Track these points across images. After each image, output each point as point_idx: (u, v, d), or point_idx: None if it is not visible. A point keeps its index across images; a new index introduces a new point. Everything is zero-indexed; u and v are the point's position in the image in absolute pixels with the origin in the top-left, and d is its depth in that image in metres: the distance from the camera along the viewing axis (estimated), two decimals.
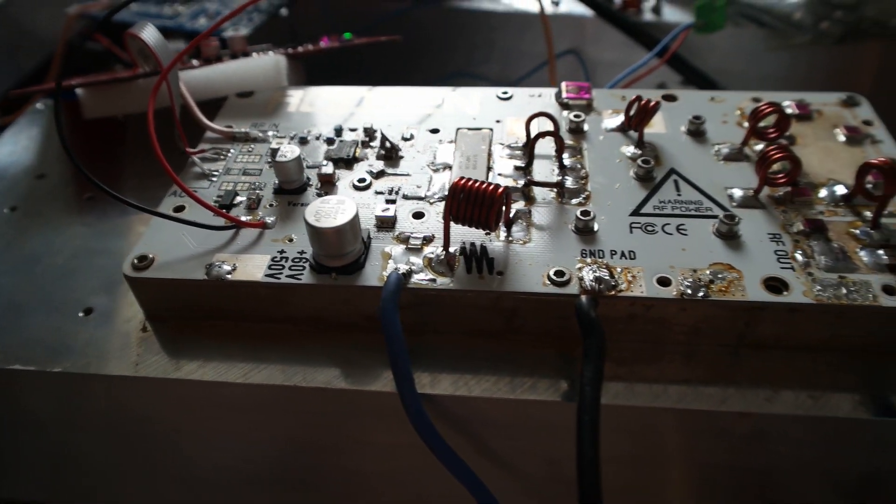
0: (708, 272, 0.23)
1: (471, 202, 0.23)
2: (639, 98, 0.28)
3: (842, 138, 0.29)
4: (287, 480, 0.29)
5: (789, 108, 0.30)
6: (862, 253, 0.24)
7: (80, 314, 0.26)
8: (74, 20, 0.48)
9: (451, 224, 0.24)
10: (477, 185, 0.23)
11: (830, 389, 0.22)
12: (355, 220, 0.23)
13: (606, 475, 0.25)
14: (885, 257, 0.23)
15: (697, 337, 0.24)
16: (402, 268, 0.24)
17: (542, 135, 0.27)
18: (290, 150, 0.27)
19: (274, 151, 0.28)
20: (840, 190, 0.26)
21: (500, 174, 0.28)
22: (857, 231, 0.24)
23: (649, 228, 0.25)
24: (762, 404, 0.22)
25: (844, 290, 0.22)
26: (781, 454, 0.23)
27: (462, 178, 0.23)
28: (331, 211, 0.23)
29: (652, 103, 0.28)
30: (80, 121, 0.35)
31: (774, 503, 0.25)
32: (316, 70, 0.40)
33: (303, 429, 0.26)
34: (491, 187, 0.23)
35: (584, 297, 0.22)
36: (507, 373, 0.23)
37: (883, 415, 0.22)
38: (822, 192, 0.26)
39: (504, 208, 0.24)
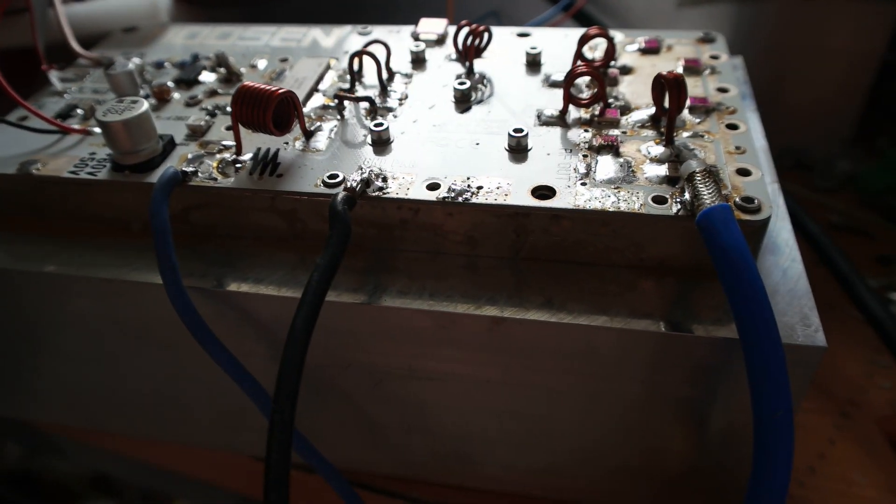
0: (484, 180, 0.23)
1: (250, 104, 0.23)
2: (469, 23, 0.28)
3: (680, 70, 0.28)
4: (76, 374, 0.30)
5: (639, 43, 0.30)
6: (647, 167, 0.23)
7: None
8: None
9: (254, 133, 0.24)
10: (258, 87, 0.23)
11: (596, 304, 0.22)
12: (144, 117, 0.24)
13: (361, 375, 0.25)
14: (666, 171, 0.23)
15: (474, 247, 0.23)
16: (188, 168, 0.24)
17: (359, 53, 0.27)
18: (121, 64, 0.28)
19: (108, 67, 0.30)
20: (651, 112, 0.25)
21: (324, 95, 0.28)
22: (651, 148, 0.24)
23: (443, 143, 0.25)
24: (516, 311, 0.22)
25: (613, 199, 0.22)
26: (546, 368, 0.23)
27: (248, 83, 0.24)
28: (122, 109, 0.24)
29: (481, 27, 0.28)
30: None
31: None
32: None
33: (90, 319, 0.26)
34: (271, 89, 0.23)
35: (340, 195, 0.22)
36: (282, 276, 0.24)
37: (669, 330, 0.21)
38: (636, 115, 0.25)
39: (294, 115, 0.25)
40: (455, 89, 0.27)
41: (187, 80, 0.29)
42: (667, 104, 0.24)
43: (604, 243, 0.22)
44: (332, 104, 0.27)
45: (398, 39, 0.32)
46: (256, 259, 0.24)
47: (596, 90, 0.25)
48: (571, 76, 0.25)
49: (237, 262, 0.24)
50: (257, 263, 0.24)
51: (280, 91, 0.23)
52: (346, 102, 0.27)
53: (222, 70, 0.30)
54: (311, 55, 0.31)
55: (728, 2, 0.40)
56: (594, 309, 0.21)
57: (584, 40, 0.27)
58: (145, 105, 0.24)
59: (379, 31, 0.33)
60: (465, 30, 0.29)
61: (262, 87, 0.23)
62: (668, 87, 0.23)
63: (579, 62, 0.27)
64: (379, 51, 0.29)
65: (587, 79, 0.27)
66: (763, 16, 0.42)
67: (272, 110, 0.23)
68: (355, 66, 0.29)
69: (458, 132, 0.25)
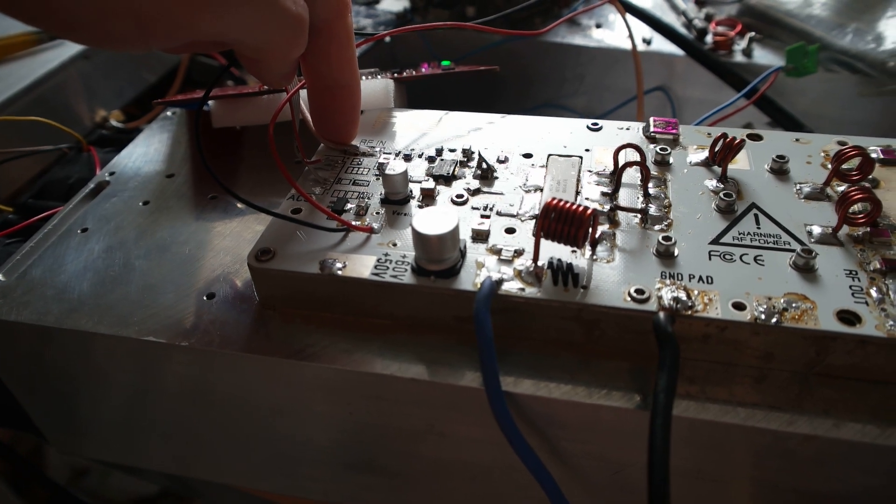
0: (782, 301, 0.24)
1: (561, 220, 0.25)
2: (724, 135, 0.30)
3: None
4: (369, 464, 0.31)
5: (874, 152, 0.31)
6: None
7: (205, 298, 0.30)
8: None
9: (542, 240, 0.26)
10: (568, 205, 0.25)
11: None
12: (456, 230, 0.26)
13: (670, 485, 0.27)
14: None
15: (769, 361, 0.25)
16: (495, 276, 0.26)
17: (629, 164, 0.29)
18: (398, 165, 0.29)
19: (382, 165, 0.32)
20: None
21: (587, 198, 0.30)
22: None
23: (727, 257, 0.26)
24: (829, 429, 0.23)
25: None
26: (845, 481, 0.24)
27: (554, 198, 0.26)
28: (436, 220, 0.26)
29: (737, 140, 0.30)
30: (205, 129, 0.40)
31: None
32: (411, 93, 0.43)
33: (390, 417, 0.28)
34: (581, 208, 0.25)
35: (661, 314, 0.24)
36: (583, 380, 0.25)
37: None
38: None
39: (591, 229, 0.26)
40: (721, 199, 0.29)
41: (445, 177, 0.31)
42: None
43: None
44: (603, 210, 0.29)
45: (629, 137, 0.34)
46: (551, 367, 0.26)
47: (870, 210, 0.27)
48: (849, 200, 0.26)
49: (534, 365, 0.26)
50: (556, 372, 0.26)
51: (590, 211, 0.25)
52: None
53: (471, 164, 0.32)
54: (550, 151, 0.33)
55: None
56: (890, 424, 0.23)
57: (841, 158, 0.29)
58: (457, 218, 0.26)
59: (608, 127, 0.35)
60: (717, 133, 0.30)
61: (571, 205, 0.25)
62: None
63: (847, 183, 0.29)
64: (631, 155, 0.31)
65: (840, 188, 0.29)
66: None
67: (585, 229, 0.25)
68: (614, 169, 0.30)
69: (736, 247, 0.27)
